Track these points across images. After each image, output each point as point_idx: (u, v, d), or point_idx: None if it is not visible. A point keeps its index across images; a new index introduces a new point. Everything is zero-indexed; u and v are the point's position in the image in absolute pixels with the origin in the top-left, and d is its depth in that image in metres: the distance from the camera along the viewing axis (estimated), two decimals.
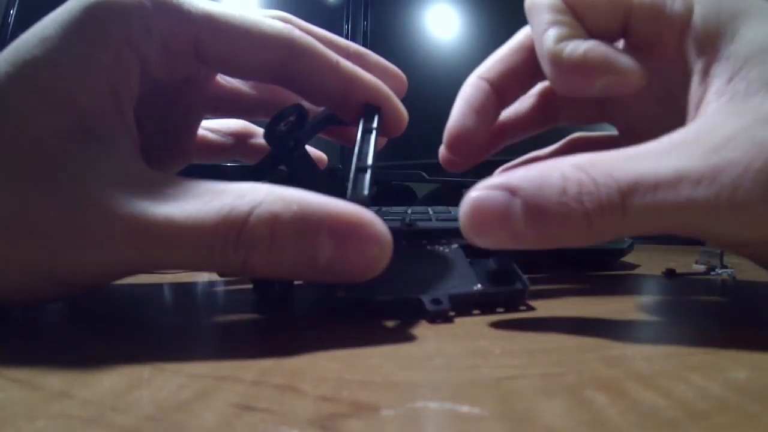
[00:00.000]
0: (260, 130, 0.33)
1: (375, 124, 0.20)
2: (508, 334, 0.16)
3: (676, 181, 0.14)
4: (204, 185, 0.15)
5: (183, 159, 0.26)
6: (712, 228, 0.15)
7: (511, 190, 0.15)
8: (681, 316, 0.19)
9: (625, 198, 0.15)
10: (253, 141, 0.32)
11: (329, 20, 0.67)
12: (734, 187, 0.14)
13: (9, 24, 0.56)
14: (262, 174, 0.21)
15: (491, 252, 0.22)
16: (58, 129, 0.15)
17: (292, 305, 0.21)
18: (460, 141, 0.24)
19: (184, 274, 0.30)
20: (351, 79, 0.20)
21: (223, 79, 0.25)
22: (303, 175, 0.21)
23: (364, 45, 0.66)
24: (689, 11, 0.19)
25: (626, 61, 0.20)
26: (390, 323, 0.17)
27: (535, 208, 0.15)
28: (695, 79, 0.19)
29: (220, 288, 0.26)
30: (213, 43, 0.18)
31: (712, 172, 0.14)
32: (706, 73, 0.18)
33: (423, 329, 0.16)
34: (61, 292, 0.16)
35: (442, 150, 0.25)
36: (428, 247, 0.23)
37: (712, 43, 0.18)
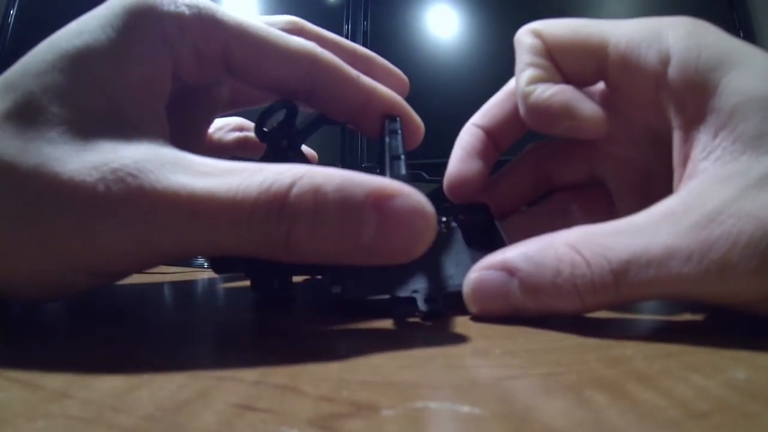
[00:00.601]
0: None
1: (399, 128, 0.21)
2: (508, 334, 0.16)
3: (667, 258, 0.15)
4: (241, 164, 0.15)
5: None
6: (705, 297, 0.15)
7: (510, 271, 0.17)
8: (681, 316, 0.19)
9: (618, 278, 0.15)
10: (251, 135, 0.33)
11: (329, 20, 0.67)
12: (723, 262, 0.14)
13: (9, 24, 0.56)
14: None
15: (490, 234, 0.22)
16: (90, 109, 0.15)
17: (292, 302, 0.21)
18: (459, 187, 0.25)
19: (184, 273, 0.30)
20: (370, 94, 0.21)
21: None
22: None
23: (364, 45, 0.66)
24: (664, 64, 0.18)
25: (587, 109, 0.21)
26: (390, 323, 0.17)
27: (532, 287, 0.16)
28: (677, 136, 0.18)
29: (220, 287, 0.26)
30: (242, 52, 0.19)
31: (701, 249, 0.14)
32: (688, 130, 0.18)
33: (423, 329, 0.16)
34: (88, 282, 0.16)
35: (444, 190, 0.26)
36: None
37: (692, 97, 0.17)
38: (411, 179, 0.17)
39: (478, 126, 0.25)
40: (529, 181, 0.27)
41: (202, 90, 0.22)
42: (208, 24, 0.18)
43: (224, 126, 0.34)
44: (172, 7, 0.17)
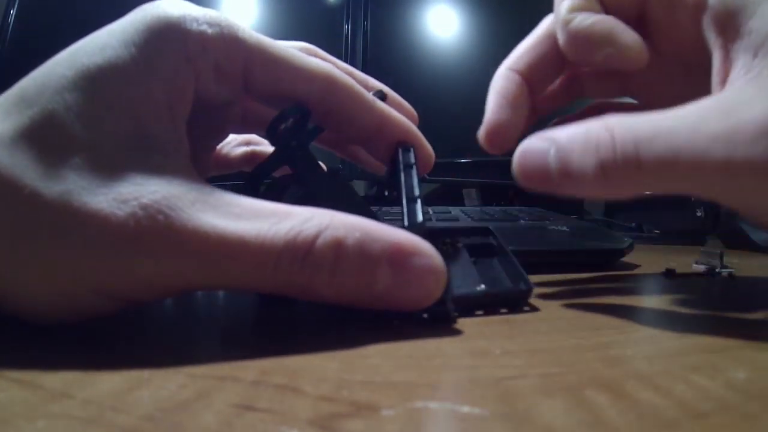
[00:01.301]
0: (263, 141, 0.34)
1: (413, 160, 0.21)
2: (508, 334, 0.16)
3: (692, 135, 0.15)
4: (268, 206, 0.16)
5: (204, 174, 0.26)
6: (727, 189, 0.15)
7: (551, 139, 0.17)
8: (681, 315, 0.19)
9: (640, 148, 0.15)
10: (258, 150, 0.33)
11: (329, 20, 0.67)
12: (750, 145, 0.14)
13: (9, 24, 0.56)
14: (266, 173, 0.21)
15: (495, 252, 0.22)
16: (114, 133, 0.15)
17: (294, 304, 0.21)
18: (498, 135, 0.25)
19: None
20: (385, 119, 0.21)
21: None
22: (307, 175, 0.21)
23: (364, 45, 0.66)
24: None
25: (629, 38, 0.21)
26: (390, 323, 0.17)
27: (564, 156, 0.17)
28: (717, 58, 0.19)
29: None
30: (261, 70, 0.19)
31: (728, 130, 0.14)
32: (727, 51, 0.18)
33: (423, 329, 0.16)
34: (106, 306, 0.15)
35: (481, 141, 0.25)
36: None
37: (731, 20, 0.18)
38: (425, 230, 0.18)
39: (513, 70, 0.25)
40: (561, 86, 0.27)
41: (215, 109, 0.22)
42: (230, 42, 0.18)
43: (231, 141, 0.34)
44: (194, 25, 0.17)
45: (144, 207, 0.14)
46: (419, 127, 0.23)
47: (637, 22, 0.22)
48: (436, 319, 0.17)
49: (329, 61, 0.23)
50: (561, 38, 0.22)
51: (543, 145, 0.18)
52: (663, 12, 0.21)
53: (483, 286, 0.19)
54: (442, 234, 0.24)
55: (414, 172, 0.21)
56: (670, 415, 0.09)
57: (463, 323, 0.17)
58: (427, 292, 0.16)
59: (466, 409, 0.10)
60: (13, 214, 0.14)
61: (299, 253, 0.15)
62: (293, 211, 0.15)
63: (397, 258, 0.15)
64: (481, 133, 0.25)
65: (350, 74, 0.24)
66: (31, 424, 0.09)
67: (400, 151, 0.22)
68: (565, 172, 0.17)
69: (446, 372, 0.12)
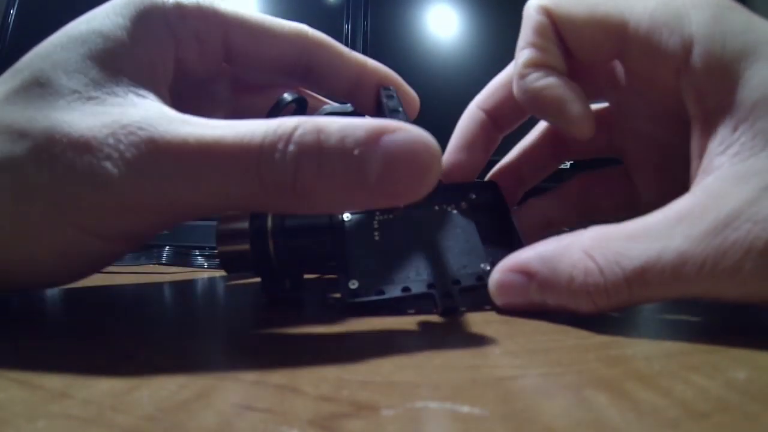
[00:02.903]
0: None
1: (399, 105, 0.22)
2: (508, 334, 0.16)
3: (680, 265, 0.15)
4: (248, 120, 0.15)
5: None
6: (717, 298, 0.15)
7: (529, 275, 0.17)
8: (681, 315, 0.19)
9: (631, 284, 0.15)
10: None
11: (329, 20, 0.67)
12: (737, 269, 0.14)
13: (9, 24, 0.56)
14: None
15: (498, 212, 0.23)
16: (99, 80, 0.16)
17: (302, 302, 0.21)
18: (454, 174, 0.25)
19: (184, 273, 0.30)
20: (362, 65, 0.23)
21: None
22: None
23: (364, 45, 0.66)
24: (687, 50, 0.17)
25: (576, 111, 0.20)
26: (390, 323, 0.17)
27: (549, 289, 0.17)
28: (696, 126, 0.18)
29: (220, 287, 0.26)
30: (240, 37, 0.21)
31: (714, 255, 0.15)
32: (707, 121, 0.17)
33: (423, 329, 0.16)
34: (101, 250, 0.16)
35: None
36: (436, 208, 0.22)
37: (714, 88, 0.17)
38: None
39: (480, 108, 0.25)
40: (548, 152, 0.26)
41: (204, 91, 0.23)
42: (207, 11, 0.20)
43: None
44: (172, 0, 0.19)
45: (123, 126, 0.14)
46: (420, 118, 0.23)
47: (612, 72, 0.22)
48: (446, 313, 0.18)
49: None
50: (515, 90, 0.22)
51: (519, 279, 0.18)
52: (643, 66, 0.20)
53: (489, 265, 0.19)
54: (444, 190, 0.23)
55: (395, 98, 0.22)
56: (670, 415, 0.09)
57: (463, 323, 0.17)
58: (424, 171, 0.14)
59: (466, 409, 0.10)
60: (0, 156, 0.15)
61: (280, 143, 0.14)
62: (273, 119, 0.15)
63: (383, 136, 0.14)
64: (442, 168, 0.26)
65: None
66: (31, 424, 0.09)
67: (382, 92, 0.22)
68: (552, 300, 0.17)
69: (446, 372, 0.12)
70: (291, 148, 0.14)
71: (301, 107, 0.22)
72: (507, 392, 0.11)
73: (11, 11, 0.56)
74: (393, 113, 0.20)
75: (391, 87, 0.23)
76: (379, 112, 0.22)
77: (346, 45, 0.24)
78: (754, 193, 0.15)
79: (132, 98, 0.16)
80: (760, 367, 0.12)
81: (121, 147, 0.14)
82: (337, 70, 0.22)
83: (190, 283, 0.28)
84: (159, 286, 0.27)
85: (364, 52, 0.67)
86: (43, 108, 0.15)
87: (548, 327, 0.17)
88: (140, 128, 0.14)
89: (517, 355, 0.13)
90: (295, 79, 0.23)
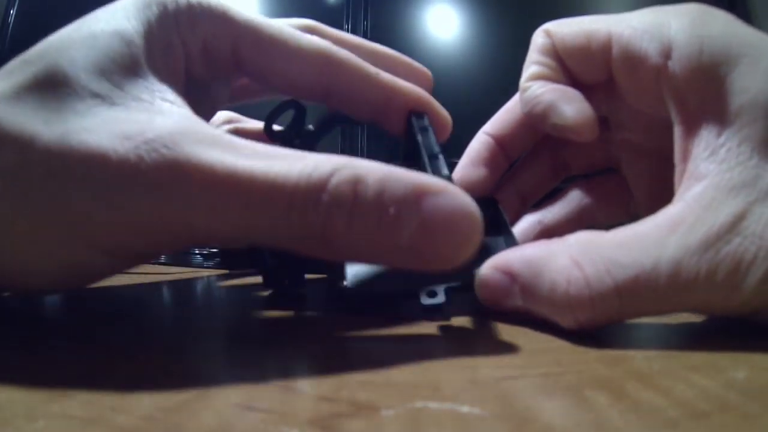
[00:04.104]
0: (243, 118, 0.33)
1: (436, 146, 0.21)
2: (508, 334, 0.16)
3: (675, 275, 0.15)
4: (281, 150, 0.14)
5: None
6: (711, 312, 0.16)
7: (512, 276, 0.17)
8: (681, 316, 0.19)
9: (622, 295, 0.15)
10: (241, 127, 0.33)
11: (329, 20, 0.67)
12: (728, 282, 0.14)
13: (9, 24, 0.56)
14: None
15: (499, 229, 0.23)
16: (121, 84, 0.15)
17: (304, 300, 0.21)
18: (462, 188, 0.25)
19: (184, 273, 0.30)
20: (392, 91, 0.21)
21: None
22: None
23: None
24: (666, 55, 0.17)
25: (572, 111, 0.20)
26: (390, 323, 0.17)
27: (530, 294, 0.16)
28: (678, 130, 0.18)
29: (220, 287, 0.26)
30: (250, 50, 0.19)
31: (707, 268, 0.14)
32: (690, 125, 0.17)
33: (423, 328, 0.16)
34: (104, 266, 0.15)
35: None
36: None
37: (694, 92, 0.17)
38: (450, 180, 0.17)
39: (487, 134, 0.26)
40: (547, 169, 0.27)
41: (207, 87, 0.22)
42: (218, 21, 0.18)
43: (213, 121, 0.34)
44: (183, 2, 0.18)
45: (147, 141, 0.13)
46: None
47: (608, 85, 0.22)
48: (429, 311, 0.17)
49: (333, 36, 0.23)
50: (520, 104, 0.23)
51: (503, 279, 0.17)
52: (625, 74, 0.20)
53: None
54: None
55: (430, 133, 0.20)
56: (670, 415, 0.09)
57: (463, 323, 0.17)
58: (461, 241, 0.13)
59: (466, 409, 0.10)
60: (8, 161, 0.13)
61: (314, 189, 0.13)
62: (309, 154, 0.14)
63: (424, 198, 0.13)
64: None
65: (357, 47, 0.23)
66: (31, 424, 0.09)
67: (413, 117, 0.21)
68: (533, 306, 0.16)
69: (446, 372, 0.12)
70: (324, 198, 0.13)
71: (299, 114, 0.22)
72: (507, 392, 0.11)
73: (11, 11, 0.56)
74: (432, 157, 0.19)
75: (424, 115, 0.21)
76: (409, 138, 0.21)
77: None
78: (743, 206, 0.15)
79: (159, 104, 0.15)
80: (760, 367, 0.12)
81: (143, 167, 0.13)
82: (362, 94, 0.20)
83: (190, 283, 0.28)
84: (159, 285, 0.27)
85: None
86: (59, 110, 0.14)
87: (548, 327, 0.17)
88: (165, 146, 0.13)
89: (517, 355, 0.13)
90: (314, 99, 0.21)
